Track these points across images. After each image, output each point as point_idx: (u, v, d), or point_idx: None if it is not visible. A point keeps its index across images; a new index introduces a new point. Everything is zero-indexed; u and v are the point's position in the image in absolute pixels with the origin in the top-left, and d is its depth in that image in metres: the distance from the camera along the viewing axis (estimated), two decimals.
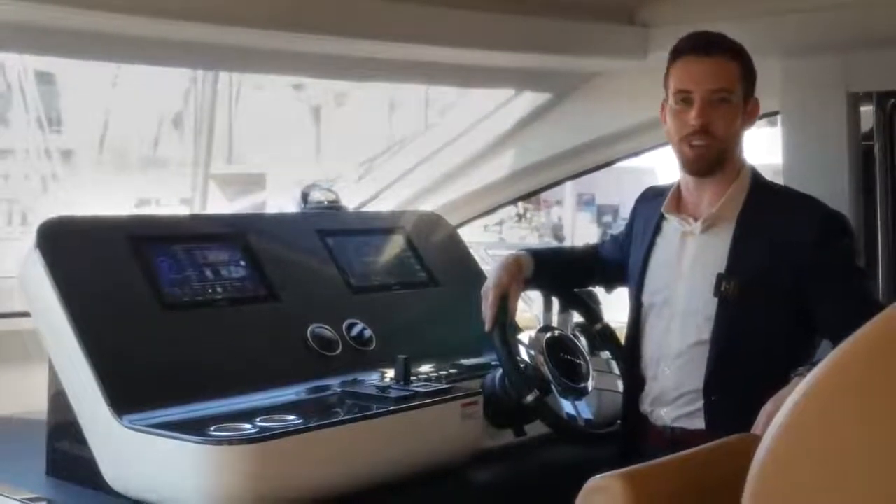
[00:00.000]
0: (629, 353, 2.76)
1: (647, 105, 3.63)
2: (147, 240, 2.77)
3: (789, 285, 2.50)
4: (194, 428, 2.33)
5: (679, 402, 2.61)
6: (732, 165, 2.61)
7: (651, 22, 3.30)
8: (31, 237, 2.65)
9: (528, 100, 3.93)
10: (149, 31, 2.94)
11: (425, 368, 2.84)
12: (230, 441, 2.28)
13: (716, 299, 2.53)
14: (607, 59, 3.48)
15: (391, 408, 2.52)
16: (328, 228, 3.19)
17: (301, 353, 2.78)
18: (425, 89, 6.54)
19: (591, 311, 3.05)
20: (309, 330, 2.82)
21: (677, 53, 2.59)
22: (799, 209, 2.58)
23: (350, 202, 3.90)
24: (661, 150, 3.97)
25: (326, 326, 2.86)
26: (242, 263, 2.89)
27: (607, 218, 24.08)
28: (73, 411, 2.52)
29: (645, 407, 2.69)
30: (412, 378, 2.67)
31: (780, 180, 3.11)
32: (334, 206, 3.41)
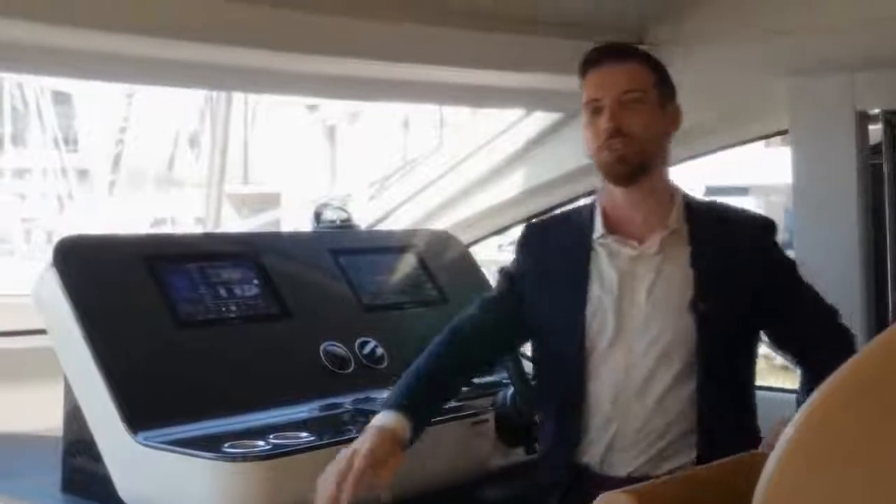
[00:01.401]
0: (566, 405, 2.45)
1: None
2: (161, 258, 2.81)
3: (751, 295, 2.44)
4: (208, 444, 2.36)
5: (641, 444, 2.39)
6: (660, 175, 2.49)
7: (660, 41, 3.32)
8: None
9: (539, 119, 3.96)
10: (164, 52, 2.97)
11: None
12: (244, 457, 2.31)
13: (687, 324, 2.38)
14: None
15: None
16: (341, 247, 3.22)
17: (314, 370, 2.81)
18: (439, 108, 6.57)
19: None
20: (322, 348, 2.85)
21: (586, 66, 2.48)
22: (738, 218, 2.55)
23: (362, 221, 3.92)
24: (675, 168, 4.00)
25: (339, 344, 2.88)
26: (256, 282, 2.92)
27: None
28: (88, 428, 2.55)
29: (591, 457, 2.42)
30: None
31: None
32: (347, 225, 3.44)
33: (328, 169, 22.23)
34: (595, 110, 2.42)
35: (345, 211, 3.50)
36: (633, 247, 2.45)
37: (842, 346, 2.42)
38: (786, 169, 3.21)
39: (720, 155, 3.90)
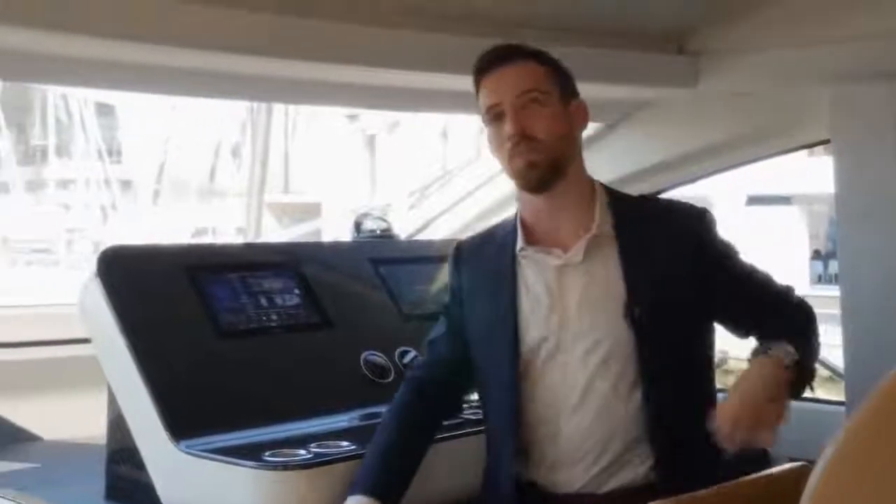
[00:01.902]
0: (506, 422, 2.34)
1: (698, 133, 3.65)
2: (203, 268, 2.83)
3: (690, 288, 2.30)
4: (250, 453, 2.37)
5: (588, 459, 2.28)
6: (578, 178, 2.37)
7: (701, 50, 3.31)
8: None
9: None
10: (205, 64, 3.00)
11: (476, 396, 2.86)
12: (285, 466, 2.32)
13: (622, 330, 2.26)
14: (658, 88, 3.49)
15: (442, 435, 2.54)
16: (380, 257, 3.23)
17: (354, 380, 2.82)
18: (478, 118, 6.58)
19: None
20: (362, 357, 2.86)
21: (478, 73, 2.36)
22: (668, 212, 2.42)
23: (402, 230, 3.94)
24: (716, 177, 3.98)
25: (379, 354, 2.89)
26: (296, 291, 2.94)
27: None
28: (131, 436, 2.57)
29: (537, 475, 2.33)
30: (463, 406, 2.69)
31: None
32: (387, 235, 3.45)
33: (368, 178, 22.33)
34: (496, 117, 2.31)
35: (385, 220, 3.52)
36: (558, 256, 2.33)
37: (796, 314, 2.38)
38: (829, 178, 3.17)
39: (762, 164, 3.87)
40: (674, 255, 2.31)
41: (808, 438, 2.38)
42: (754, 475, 2.28)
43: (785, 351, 2.21)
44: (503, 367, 2.34)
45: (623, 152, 3.80)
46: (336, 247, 3.52)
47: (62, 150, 22.14)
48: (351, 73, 3.09)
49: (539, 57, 2.35)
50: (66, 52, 2.83)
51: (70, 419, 3.42)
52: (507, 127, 2.27)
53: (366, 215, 3.51)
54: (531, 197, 2.36)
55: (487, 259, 2.43)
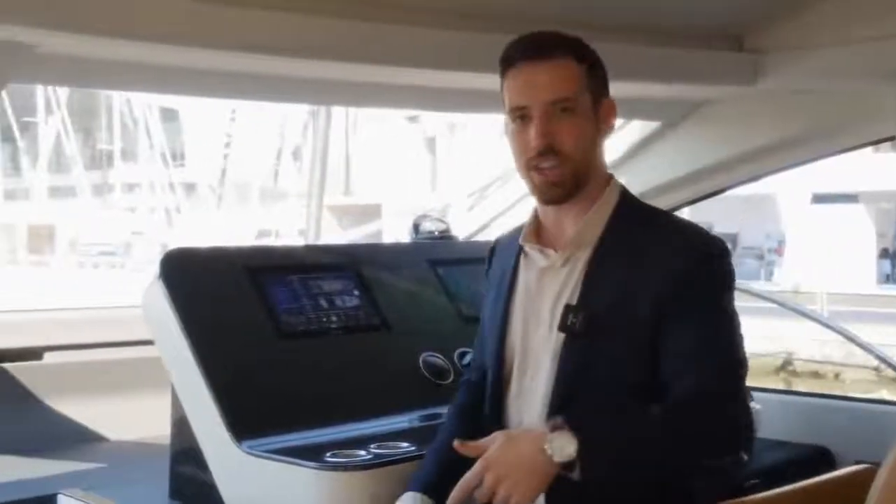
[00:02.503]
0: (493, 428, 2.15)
1: (759, 131, 3.61)
2: (264, 270, 2.86)
3: (642, 320, 2.05)
4: (311, 454, 2.39)
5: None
6: (594, 182, 2.18)
7: (761, 48, 3.27)
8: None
9: (637, 128, 3.93)
10: (266, 68, 3.03)
11: None
12: (345, 467, 2.34)
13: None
14: (717, 86, 3.46)
15: None
16: (439, 258, 3.24)
17: (413, 381, 2.83)
18: None
19: None
20: (421, 358, 2.87)
21: (506, 63, 2.17)
22: (667, 233, 2.15)
23: (461, 231, 3.94)
24: (780, 176, 3.93)
25: (438, 355, 2.90)
26: (356, 293, 2.95)
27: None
28: (194, 436, 2.60)
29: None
30: None
31: None
32: (445, 236, 3.46)
33: (428, 180, 22.39)
34: (522, 118, 2.14)
35: (443, 222, 3.53)
36: (547, 256, 2.19)
37: (697, 414, 1.99)
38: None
39: (828, 162, 3.82)
40: (643, 280, 2.06)
41: (874, 440, 2.35)
42: (820, 477, 2.26)
43: (570, 441, 1.90)
44: (492, 374, 2.24)
45: (682, 152, 3.78)
46: (395, 248, 3.54)
47: (127, 155, 22.48)
48: (411, 75, 3.10)
49: (574, 51, 2.15)
50: (130, 58, 2.88)
51: (135, 420, 3.47)
52: (533, 136, 2.10)
53: (424, 217, 3.53)
54: None
55: (506, 255, 2.32)
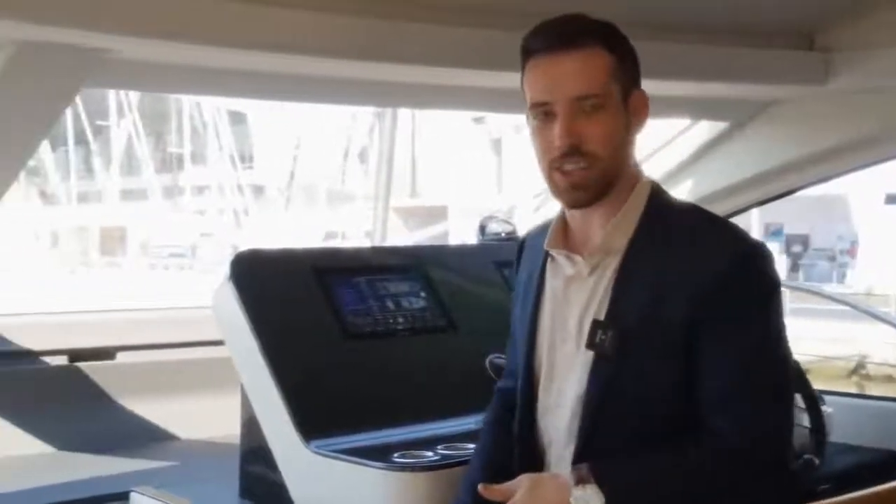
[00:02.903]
0: (520, 446, 2.07)
1: (829, 131, 3.56)
2: (331, 271, 2.88)
3: (678, 335, 1.86)
4: (378, 454, 2.40)
5: None
6: (624, 183, 1.97)
7: (832, 47, 3.23)
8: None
9: (706, 128, 3.90)
10: (333, 71, 3.06)
11: None
12: (412, 468, 2.34)
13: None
14: (787, 85, 3.42)
15: None
16: (505, 259, 3.23)
17: (480, 382, 2.82)
18: None
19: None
20: (487, 360, 2.87)
21: (527, 54, 1.96)
22: (706, 237, 1.93)
23: None
24: (852, 175, 3.87)
25: (504, 356, 2.89)
26: (422, 294, 2.97)
27: (797, 248, 23.39)
28: (263, 436, 2.63)
29: None
30: None
31: None
32: (511, 237, 3.45)
33: (494, 181, 22.37)
34: (545, 114, 1.93)
35: (509, 223, 3.52)
36: (574, 263, 2.00)
37: (715, 444, 1.84)
38: None
39: None
40: (676, 287, 1.87)
41: None
42: (892, 483, 2.23)
43: (595, 496, 1.80)
44: (521, 384, 2.10)
45: (750, 152, 3.74)
46: (461, 250, 3.54)
47: (197, 157, 22.78)
48: (477, 76, 3.11)
49: (602, 38, 1.93)
50: (199, 62, 2.92)
51: (205, 419, 3.52)
52: (557, 135, 1.90)
53: (491, 218, 3.53)
54: None
55: (534, 254, 2.14)
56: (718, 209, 3.97)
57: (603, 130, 1.90)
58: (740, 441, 1.82)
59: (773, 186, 3.71)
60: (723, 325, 1.85)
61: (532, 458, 2.04)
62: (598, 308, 1.94)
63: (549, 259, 2.07)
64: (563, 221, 2.05)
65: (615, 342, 1.88)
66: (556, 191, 1.97)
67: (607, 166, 1.92)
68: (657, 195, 2.00)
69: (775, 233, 22.33)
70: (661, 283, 1.89)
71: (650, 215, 1.96)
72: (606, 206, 1.96)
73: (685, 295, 1.85)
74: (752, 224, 20.58)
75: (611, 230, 1.96)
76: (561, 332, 2.00)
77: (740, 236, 1.94)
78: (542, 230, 2.12)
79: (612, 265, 1.95)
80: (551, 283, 2.05)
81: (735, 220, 4.24)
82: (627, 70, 1.96)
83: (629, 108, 1.95)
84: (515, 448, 2.08)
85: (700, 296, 1.85)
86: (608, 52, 1.92)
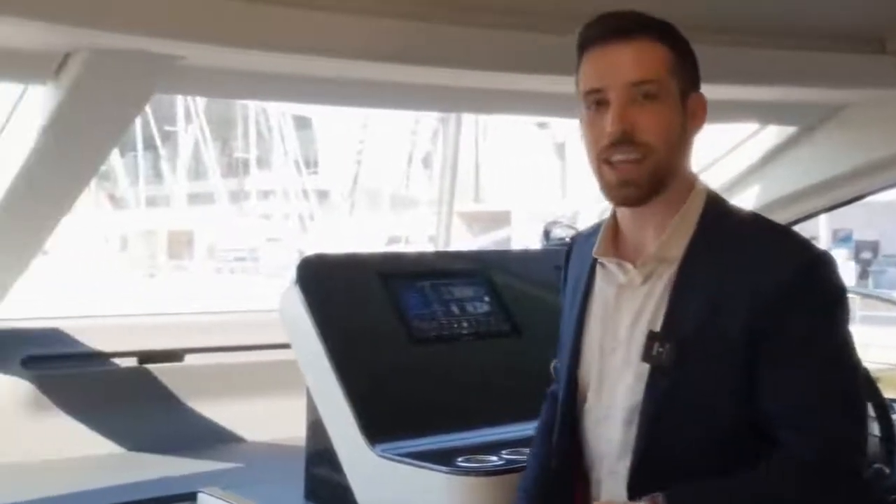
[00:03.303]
0: (566, 452, 2.02)
1: None
2: (396, 275, 2.89)
3: (738, 346, 1.79)
4: (442, 458, 2.41)
5: None
6: (678, 186, 1.89)
7: None
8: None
9: (774, 133, 3.86)
10: (396, 76, 3.08)
11: None
12: (477, 472, 2.35)
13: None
14: (858, 89, 3.37)
15: None
16: None
17: (543, 387, 2.81)
18: None
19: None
20: (552, 365, 2.86)
21: (584, 45, 1.89)
22: (767, 245, 1.85)
23: None
24: None
25: None
26: (486, 299, 2.97)
27: (866, 254, 22.99)
28: (329, 439, 2.65)
29: None
30: None
31: None
32: None
33: (558, 186, 22.29)
34: (597, 103, 1.86)
35: (573, 228, 3.51)
36: (626, 272, 1.93)
37: (786, 465, 1.78)
38: None
39: None
40: (737, 296, 1.80)
41: None
42: None
43: None
44: (563, 394, 2.04)
45: (820, 157, 3.69)
46: (525, 254, 3.54)
47: (263, 162, 22.99)
48: (541, 81, 3.11)
49: (661, 33, 1.87)
50: (266, 68, 2.96)
51: (271, 421, 3.55)
52: (609, 121, 1.82)
53: (554, 223, 3.52)
54: None
55: (582, 259, 2.06)
56: (786, 215, 3.93)
57: (658, 121, 1.82)
58: (814, 454, 1.77)
59: (842, 192, 3.66)
60: (788, 336, 1.78)
61: (574, 470, 2.00)
62: (652, 318, 1.87)
63: (598, 264, 2.00)
64: (613, 227, 1.98)
65: (672, 354, 1.82)
66: (605, 187, 1.89)
67: (660, 161, 1.84)
68: (714, 202, 1.93)
69: (844, 239, 21.98)
70: (719, 292, 1.82)
71: (707, 223, 1.89)
72: (661, 211, 1.89)
73: (746, 305, 1.79)
74: (821, 230, 20.29)
75: (666, 238, 1.88)
76: (611, 342, 1.94)
77: (804, 244, 1.87)
78: (592, 233, 2.07)
79: (666, 274, 1.88)
80: (601, 290, 1.99)
81: (802, 226, 4.20)
82: (686, 69, 1.89)
83: (687, 108, 1.88)
84: (554, 459, 2.04)
85: (762, 306, 1.78)
86: (666, 47, 1.86)
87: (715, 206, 1.92)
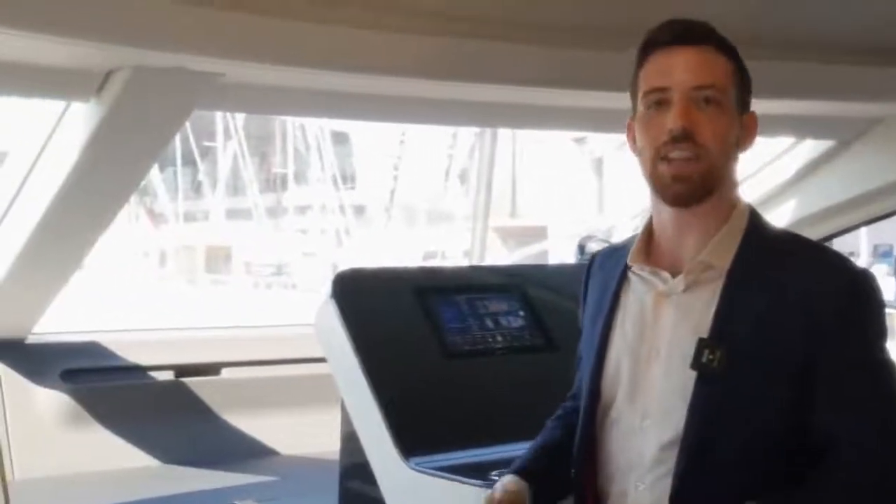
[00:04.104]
0: (578, 468, 2.01)
1: None
2: (431, 290, 2.91)
3: (789, 357, 1.81)
4: (476, 472, 2.41)
5: None
6: (724, 197, 1.91)
7: None
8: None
9: (811, 146, 3.84)
10: (433, 92, 3.10)
11: None
12: None
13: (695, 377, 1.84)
14: (895, 103, 3.35)
15: None
16: None
17: None
18: None
19: None
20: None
21: (648, 47, 1.92)
22: (816, 263, 1.88)
23: None
24: None
25: None
26: (521, 313, 2.97)
27: None
28: (362, 452, 2.66)
29: None
30: None
31: None
32: None
33: (595, 201, 22.24)
34: (658, 103, 1.88)
35: (607, 242, 3.50)
36: (664, 280, 1.93)
37: (831, 478, 1.80)
38: None
39: None
40: (787, 312, 1.82)
41: None
42: None
43: None
44: (586, 402, 2.02)
45: (856, 171, 3.67)
46: (560, 269, 3.54)
47: (300, 178, 23.10)
48: (577, 96, 3.11)
49: (728, 48, 1.92)
50: (305, 85, 2.99)
51: (305, 434, 3.57)
52: (671, 118, 1.84)
53: (589, 238, 3.51)
54: (663, 206, 1.94)
55: (607, 272, 2.07)
56: (822, 229, 3.91)
57: (716, 126, 1.85)
58: (870, 474, 1.80)
59: (880, 206, 3.64)
60: (840, 353, 1.81)
61: (595, 480, 1.99)
62: (697, 326, 1.86)
63: (627, 276, 2.00)
64: (648, 237, 1.99)
65: (724, 361, 1.81)
66: (660, 184, 1.89)
67: (714, 164, 1.86)
68: (758, 218, 1.95)
69: (884, 254, 21.74)
70: (769, 305, 1.83)
71: (751, 236, 1.91)
72: (704, 219, 1.90)
73: (798, 318, 1.81)
74: (861, 245, 20.09)
75: (715, 245, 1.89)
76: (647, 352, 1.92)
77: (847, 261, 1.90)
78: (613, 251, 2.11)
79: (711, 282, 1.88)
80: (636, 299, 1.98)
81: (841, 240, 4.18)
82: (744, 84, 1.93)
83: (743, 122, 1.92)
84: (574, 468, 2.03)
85: (814, 320, 1.80)
86: (729, 59, 1.90)
87: (757, 221, 1.94)
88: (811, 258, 1.90)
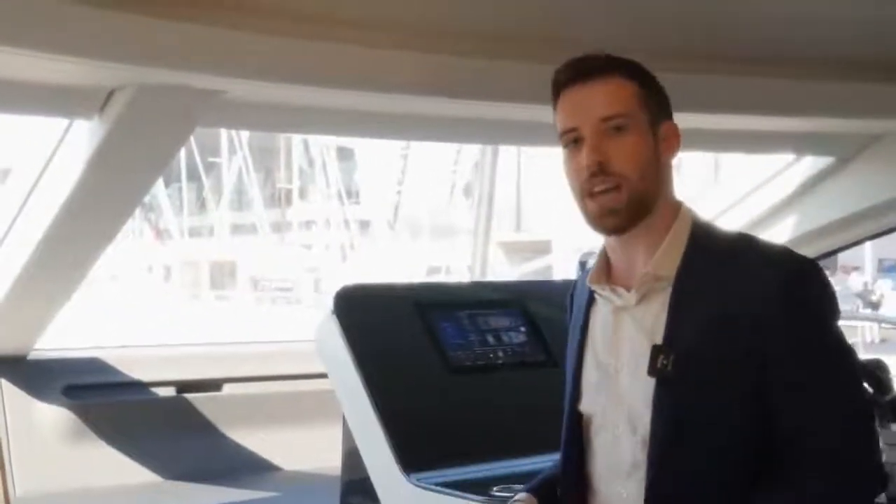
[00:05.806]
0: (567, 477, 2.08)
1: None
2: (433, 306, 2.91)
3: (742, 355, 1.86)
4: (478, 488, 2.42)
5: None
6: (661, 209, 1.97)
7: None
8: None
9: (811, 163, 3.85)
10: (437, 110, 3.11)
11: None
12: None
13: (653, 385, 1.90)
14: (894, 120, 3.36)
15: None
16: None
17: None
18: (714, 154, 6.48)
19: (882, 381, 2.90)
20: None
21: (556, 88, 2.01)
22: (754, 257, 1.94)
23: None
24: None
25: None
26: (523, 329, 2.98)
27: None
28: (364, 468, 2.67)
29: None
30: None
31: None
32: None
33: None
34: (574, 142, 1.96)
35: None
36: (620, 296, 2.00)
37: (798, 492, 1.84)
38: None
39: None
40: (735, 310, 1.88)
41: None
42: None
43: None
44: (566, 421, 2.09)
45: (856, 187, 3.68)
46: (560, 284, 3.54)
47: (305, 193, 23.13)
48: None
49: (628, 71, 1.98)
50: (308, 102, 3.00)
51: (307, 450, 3.57)
52: (584, 155, 1.93)
53: (590, 254, 3.50)
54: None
55: (581, 292, 2.14)
56: (822, 245, 3.92)
57: (628, 151, 1.92)
58: (837, 474, 1.85)
59: (879, 223, 3.64)
60: (793, 349, 1.86)
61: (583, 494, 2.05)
62: (652, 335, 1.93)
63: (593, 297, 2.07)
64: (605, 258, 2.06)
65: (677, 364, 1.88)
66: (591, 218, 1.98)
67: (636, 188, 1.93)
68: (701, 223, 2.01)
69: (889, 268, 21.74)
70: (715, 307, 1.89)
71: (696, 241, 1.97)
72: (647, 236, 1.97)
73: (743, 313, 1.87)
74: (866, 260, 20.09)
75: (660, 257, 1.95)
76: (615, 363, 2.00)
77: (791, 255, 1.96)
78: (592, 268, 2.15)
79: (661, 292, 1.95)
80: (599, 319, 2.05)
81: (846, 255, 4.17)
82: (655, 101, 1.99)
83: (658, 135, 1.97)
84: (560, 486, 2.09)
85: (759, 312, 1.86)
86: (633, 83, 1.97)
87: (702, 227, 2.00)
88: (755, 255, 1.95)
